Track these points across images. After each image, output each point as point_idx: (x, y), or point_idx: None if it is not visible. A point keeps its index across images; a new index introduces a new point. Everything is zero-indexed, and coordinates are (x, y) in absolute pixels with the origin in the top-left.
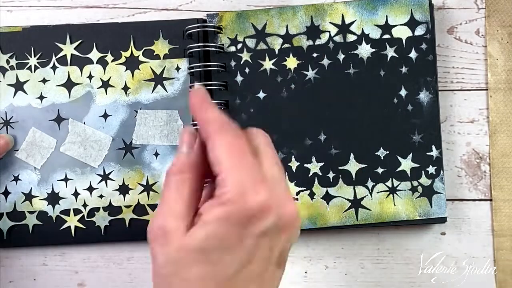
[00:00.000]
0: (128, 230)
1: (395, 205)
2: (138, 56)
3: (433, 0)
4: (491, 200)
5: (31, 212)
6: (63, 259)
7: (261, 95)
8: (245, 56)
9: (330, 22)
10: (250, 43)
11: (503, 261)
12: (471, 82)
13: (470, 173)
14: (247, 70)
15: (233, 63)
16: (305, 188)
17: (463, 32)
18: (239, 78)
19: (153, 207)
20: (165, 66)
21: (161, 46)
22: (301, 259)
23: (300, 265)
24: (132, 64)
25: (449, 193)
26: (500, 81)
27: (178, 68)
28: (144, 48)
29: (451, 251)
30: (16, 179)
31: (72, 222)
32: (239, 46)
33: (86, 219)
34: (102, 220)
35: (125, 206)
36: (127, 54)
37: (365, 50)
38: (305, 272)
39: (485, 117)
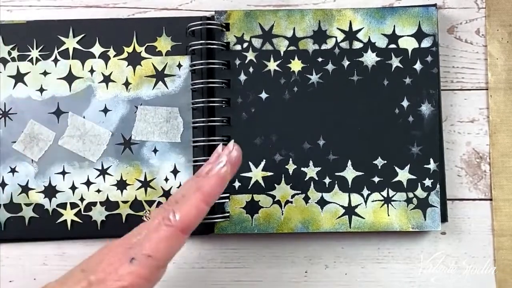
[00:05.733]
0: (125, 225)
1: (388, 215)
2: (140, 52)
3: (433, 0)
4: (491, 199)
5: (27, 205)
6: (63, 259)
7: (264, 95)
8: (250, 55)
9: (338, 28)
10: (256, 43)
11: (503, 261)
12: (471, 81)
13: (470, 172)
14: (251, 69)
15: (237, 62)
16: (300, 192)
17: (463, 32)
18: (242, 77)
19: (150, 203)
20: (166, 63)
21: (163, 43)
22: (301, 259)
23: (300, 265)
24: (134, 60)
25: (449, 192)
26: (500, 80)
27: (179, 65)
28: (147, 44)
29: (451, 251)
30: (13, 170)
31: (68, 215)
32: (245, 45)
33: (82, 213)
34: (98, 214)
35: (122, 202)
36: (130, 49)
37: (370, 58)
38: (305, 272)
39: (485, 116)
